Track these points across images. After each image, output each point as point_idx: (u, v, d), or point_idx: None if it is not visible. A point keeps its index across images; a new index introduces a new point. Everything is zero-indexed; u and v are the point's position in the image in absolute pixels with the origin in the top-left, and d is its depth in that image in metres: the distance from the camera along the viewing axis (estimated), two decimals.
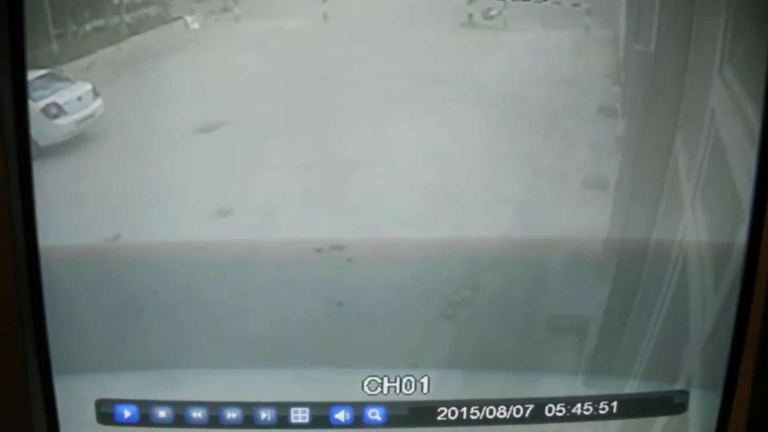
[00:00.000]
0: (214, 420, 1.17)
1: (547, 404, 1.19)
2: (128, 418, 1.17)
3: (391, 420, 1.19)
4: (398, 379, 1.18)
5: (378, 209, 1.14)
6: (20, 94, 1.04)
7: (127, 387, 1.16)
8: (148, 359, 1.16)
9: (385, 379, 1.18)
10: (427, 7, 1.07)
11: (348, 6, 1.07)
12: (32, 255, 1.09)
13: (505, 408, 1.19)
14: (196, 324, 1.16)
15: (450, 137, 1.13)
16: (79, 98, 1.09)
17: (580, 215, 1.16)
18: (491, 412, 1.19)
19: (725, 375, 1.19)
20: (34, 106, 1.07)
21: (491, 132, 1.13)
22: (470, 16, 1.09)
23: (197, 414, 1.17)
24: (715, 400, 1.21)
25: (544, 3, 1.08)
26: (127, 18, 1.07)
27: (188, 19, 1.07)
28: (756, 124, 1.12)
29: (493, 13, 1.09)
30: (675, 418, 1.22)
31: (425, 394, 1.18)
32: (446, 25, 1.09)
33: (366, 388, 1.18)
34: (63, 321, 1.12)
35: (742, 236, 1.15)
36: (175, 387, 1.17)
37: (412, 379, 1.18)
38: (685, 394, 1.21)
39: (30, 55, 1.04)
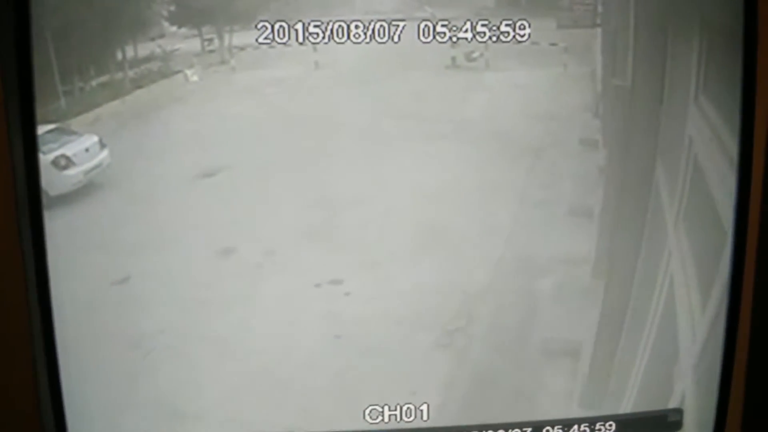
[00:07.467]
0: None
1: (544, 427, 1.19)
2: None
3: None
4: (398, 408, 1.18)
5: (373, 244, 1.16)
6: (30, 147, 1.06)
7: (138, 424, 1.17)
8: (157, 396, 1.17)
9: (386, 407, 1.18)
10: (413, 51, 1.08)
11: (338, 54, 1.08)
12: (44, 299, 1.10)
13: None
14: (202, 359, 1.17)
15: (440, 173, 1.15)
16: (87, 150, 1.12)
17: (568, 242, 1.18)
18: None
19: (718, 392, 1.20)
20: (44, 159, 1.09)
21: (479, 167, 1.15)
22: (453, 58, 1.11)
23: None
24: (710, 416, 1.21)
25: (523, 44, 1.08)
26: (131, 73, 1.10)
27: (188, 72, 1.10)
28: (733, 149, 1.13)
29: (475, 55, 1.11)
30: None
31: (425, 421, 1.19)
32: (432, 68, 1.11)
33: (368, 417, 1.18)
34: (75, 363, 1.13)
35: (725, 257, 1.16)
36: (184, 422, 1.18)
37: (411, 407, 1.19)
38: (679, 412, 1.22)
39: (39, 111, 1.05)
